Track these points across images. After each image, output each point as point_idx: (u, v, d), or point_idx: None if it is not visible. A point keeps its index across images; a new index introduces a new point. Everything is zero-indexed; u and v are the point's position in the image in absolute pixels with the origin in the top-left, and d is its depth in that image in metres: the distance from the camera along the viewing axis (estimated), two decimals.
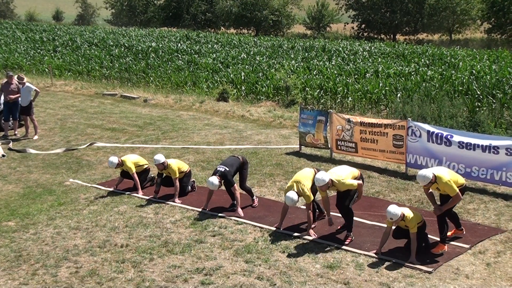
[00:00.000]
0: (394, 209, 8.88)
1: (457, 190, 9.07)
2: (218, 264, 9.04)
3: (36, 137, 17.70)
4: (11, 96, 17.42)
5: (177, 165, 11.99)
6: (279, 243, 9.71)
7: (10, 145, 16.69)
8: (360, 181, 9.96)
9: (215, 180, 10.84)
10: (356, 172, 10.16)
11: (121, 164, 12.44)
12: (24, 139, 17.54)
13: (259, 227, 10.42)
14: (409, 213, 9.00)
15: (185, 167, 12.21)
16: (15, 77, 17.89)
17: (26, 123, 17.95)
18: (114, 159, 12.39)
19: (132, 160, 12.57)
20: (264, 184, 12.81)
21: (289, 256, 9.28)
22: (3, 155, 15.67)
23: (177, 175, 11.85)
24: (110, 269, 8.97)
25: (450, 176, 9.23)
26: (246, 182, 11.66)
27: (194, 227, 10.49)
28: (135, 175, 12.43)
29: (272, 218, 10.69)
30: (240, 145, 16.21)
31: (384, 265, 8.84)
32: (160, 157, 11.84)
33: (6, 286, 8.56)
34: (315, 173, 10.22)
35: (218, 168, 11.13)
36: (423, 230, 9.18)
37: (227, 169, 11.10)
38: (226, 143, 16.50)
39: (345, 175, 9.88)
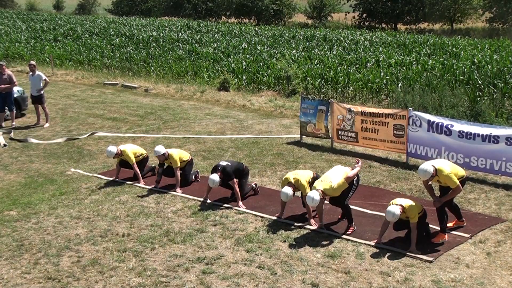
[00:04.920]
0: (394, 210, 8.87)
1: (458, 182, 9.04)
2: (219, 253, 9.06)
3: (47, 124, 17.78)
4: (3, 86, 17.41)
5: (178, 154, 11.96)
6: (280, 233, 9.72)
7: (12, 134, 16.70)
8: (350, 174, 9.65)
9: (216, 177, 10.79)
10: (348, 170, 9.89)
11: (119, 154, 12.40)
12: (26, 128, 17.56)
13: (260, 216, 10.44)
14: (408, 204, 9.00)
15: (186, 156, 12.17)
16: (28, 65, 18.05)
17: (38, 111, 18.01)
18: (113, 149, 12.33)
19: (131, 150, 12.54)
20: (265, 174, 12.82)
21: (290, 245, 9.30)
22: (5, 145, 15.69)
23: (179, 165, 11.84)
24: (111, 258, 8.99)
25: (450, 168, 9.18)
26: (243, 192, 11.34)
27: (195, 217, 10.51)
28: (135, 165, 12.42)
29: (273, 207, 10.70)
30: (241, 134, 16.20)
31: (385, 255, 8.86)
32: (160, 149, 11.79)
33: (8, 275, 8.59)
34: (314, 176, 10.30)
35: (220, 163, 11.11)
36: (424, 219, 9.18)
37: (229, 164, 11.09)
38: (227, 132, 16.50)
39: (335, 180, 9.53)
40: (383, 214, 9.87)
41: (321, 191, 9.40)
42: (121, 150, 12.41)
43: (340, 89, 21.81)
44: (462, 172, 9.50)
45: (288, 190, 9.89)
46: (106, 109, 20.21)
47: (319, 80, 22.37)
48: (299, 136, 15.63)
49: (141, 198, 11.54)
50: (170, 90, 23.48)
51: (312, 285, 8.02)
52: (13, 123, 17.84)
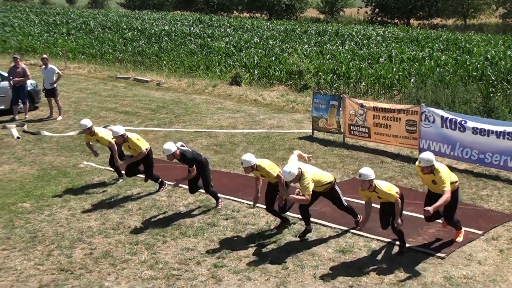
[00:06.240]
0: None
1: (449, 187, 8.49)
2: (231, 247, 9.07)
3: (60, 118, 17.88)
4: (16, 79, 17.51)
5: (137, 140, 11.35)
6: (291, 227, 9.72)
7: (25, 127, 16.79)
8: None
9: (171, 146, 10.12)
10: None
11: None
12: (39, 121, 17.65)
13: None
14: (381, 184, 8.69)
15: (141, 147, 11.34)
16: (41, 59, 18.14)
17: (51, 104, 18.11)
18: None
19: (105, 133, 12.19)
20: None
21: (302, 240, 9.29)
22: (18, 137, 15.78)
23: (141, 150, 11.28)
24: (124, 250, 9.03)
25: (447, 171, 8.72)
26: (210, 185, 10.64)
27: (207, 211, 10.53)
28: (115, 147, 11.95)
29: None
30: (252, 129, 16.20)
31: (397, 250, 8.83)
32: (118, 129, 11.25)
33: (21, 266, 8.66)
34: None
35: (180, 147, 10.45)
36: (403, 201, 8.89)
37: (189, 150, 10.48)
38: (239, 127, 16.50)
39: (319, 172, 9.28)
40: None
41: (300, 170, 8.87)
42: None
43: (352, 84, 21.74)
44: (455, 178, 8.94)
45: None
46: (119, 102, 20.27)
47: (331, 75, 22.31)
48: (311, 131, 15.60)
49: (153, 191, 11.57)
50: (182, 84, 23.50)
51: (323, 280, 8.01)
52: (26, 116, 17.93)
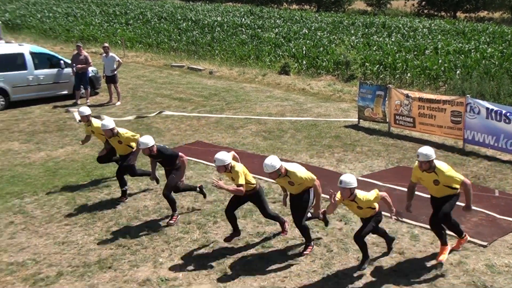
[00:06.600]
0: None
1: (462, 177, 7.77)
2: (278, 229, 9.08)
3: (118, 103, 18.22)
4: (79, 66, 17.90)
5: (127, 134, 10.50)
6: (336, 212, 9.66)
7: None
8: (317, 182, 8.26)
9: (148, 139, 9.32)
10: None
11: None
12: (99, 106, 18.01)
13: None
14: (363, 194, 7.66)
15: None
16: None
17: (110, 90, 18.46)
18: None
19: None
20: (323, 155, 12.74)
21: (346, 224, 9.24)
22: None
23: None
24: (177, 229, 9.16)
25: (448, 166, 7.89)
26: (170, 190, 9.52)
27: None
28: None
29: (330, 188, 10.59)
30: (300, 117, 16.14)
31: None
32: (108, 122, 10.36)
33: (82, 240, 8.89)
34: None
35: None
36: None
37: (166, 146, 9.97)
38: (287, 114, 16.46)
39: (303, 170, 8.22)
40: None
41: (285, 168, 8.01)
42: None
43: (397, 75, 21.36)
44: (458, 182, 7.81)
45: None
46: (173, 89, 20.48)
47: (377, 66, 21.98)
48: (357, 119, 15.44)
49: (205, 174, 11.69)
50: (233, 73, 23.56)
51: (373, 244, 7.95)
52: (87, 100, 18.32)
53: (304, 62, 23.79)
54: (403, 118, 14.18)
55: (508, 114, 12.05)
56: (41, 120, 16.45)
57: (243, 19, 37.98)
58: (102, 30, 34.84)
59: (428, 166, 7.70)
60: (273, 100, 18.52)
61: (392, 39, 28.26)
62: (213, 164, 11.78)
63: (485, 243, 8.44)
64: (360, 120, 15.34)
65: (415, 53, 24.12)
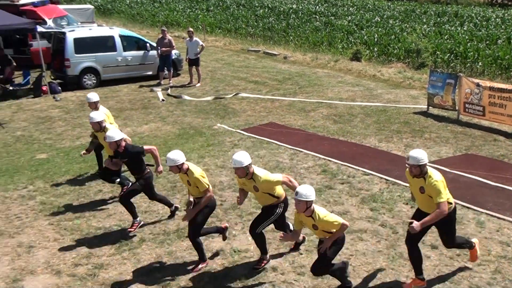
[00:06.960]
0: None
1: (445, 199, 6.42)
2: (345, 209, 9.06)
3: (198, 84, 18.54)
4: (163, 49, 18.27)
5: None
6: (403, 195, 9.51)
7: (169, 91, 17.57)
8: (291, 183, 7.01)
9: (115, 133, 8.52)
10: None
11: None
12: (181, 87, 18.39)
13: (385, 179, 10.25)
14: (321, 212, 6.42)
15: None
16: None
17: (191, 72, 18.79)
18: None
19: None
20: (391, 140, 12.52)
21: (412, 207, 9.07)
22: (163, 100, 16.56)
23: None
24: (249, 204, 9.28)
25: (442, 180, 6.60)
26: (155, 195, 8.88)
27: (325, 174, 10.54)
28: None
29: (397, 172, 10.45)
30: (370, 102, 15.88)
31: (506, 226, 8.39)
32: (96, 115, 9.37)
33: (163, 210, 9.19)
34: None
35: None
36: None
37: (134, 146, 8.89)
38: (357, 100, 16.24)
39: (274, 174, 7.29)
40: (505, 187, 9.41)
41: (253, 170, 7.04)
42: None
43: (468, 64, 20.56)
44: (451, 199, 6.69)
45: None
46: (249, 73, 20.60)
47: (448, 54, 21.24)
48: (426, 106, 15.03)
49: (277, 153, 11.74)
50: (307, 58, 23.42)
51: (432, 247, 7.81)
52: (170, 81, 18.72)
53: (376, 49, 23.32)
54: (472, 107, 13.69)
55: None
56: (128, 98, 17.00)
57: (317, 7, 37.55)
58: (185, 15, 35.37)
59: (418, 171, 6.50)
60: (344, 85, 18.30)
61: (464, 28, 27.19)
62: (285, 145, 11.92)
63: None
64: (430, 107, 14.92)
65: (487, 42, 23.12)
